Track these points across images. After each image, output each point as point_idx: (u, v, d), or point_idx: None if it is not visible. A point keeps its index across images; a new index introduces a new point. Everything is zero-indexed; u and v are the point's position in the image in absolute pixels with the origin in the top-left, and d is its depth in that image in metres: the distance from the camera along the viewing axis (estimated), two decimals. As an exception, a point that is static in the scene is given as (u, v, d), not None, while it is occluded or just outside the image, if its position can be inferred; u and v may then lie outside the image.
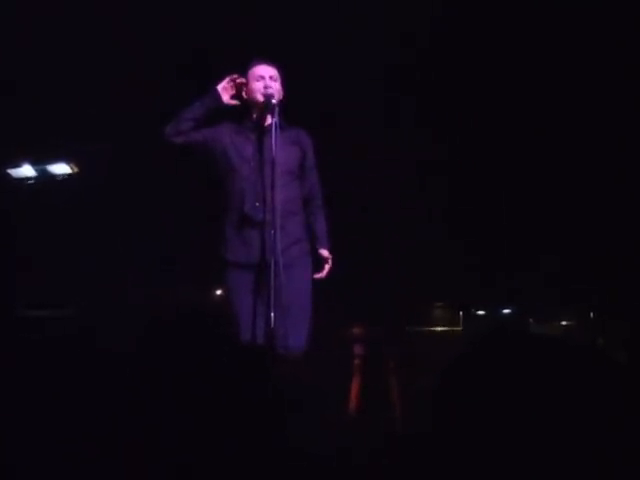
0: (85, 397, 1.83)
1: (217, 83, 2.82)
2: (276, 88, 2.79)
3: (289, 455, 1.88)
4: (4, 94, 5.44)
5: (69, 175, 7.49)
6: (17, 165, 7.40)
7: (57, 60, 5.31)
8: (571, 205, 7.19)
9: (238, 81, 2.81)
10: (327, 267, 2.85)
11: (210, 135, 2.80)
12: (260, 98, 2.76)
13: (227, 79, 2.80)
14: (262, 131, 2.78)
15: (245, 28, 4.86)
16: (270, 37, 4.59)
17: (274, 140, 2.60)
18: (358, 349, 4.62)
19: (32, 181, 7.52)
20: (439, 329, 9.86)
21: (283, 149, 2.63)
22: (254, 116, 2.83)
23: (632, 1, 4.78)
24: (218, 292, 7.27)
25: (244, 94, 2.85)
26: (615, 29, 4.97)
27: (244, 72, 2.86)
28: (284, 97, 2.84)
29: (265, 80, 2.78)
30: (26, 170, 7.45)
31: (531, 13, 4.98)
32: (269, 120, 2.77)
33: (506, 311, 12.80)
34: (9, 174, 7.48)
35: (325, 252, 2.86)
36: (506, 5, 4.96)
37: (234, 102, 2.83)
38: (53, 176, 7.50)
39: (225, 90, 2.80)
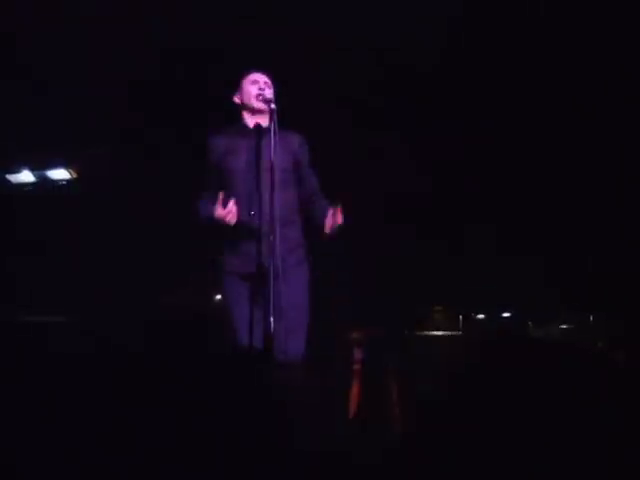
0: (85, 401, 1.83)
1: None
2: (269, 94, 2.77)
3: (289, 460, 1.88)
4: (3, 100, 5.45)
5: (68, 181, 7.51)
6: (16, 171, 7.41)
7: (56, 64, 5.32)
8: (571, 207, 7.19)
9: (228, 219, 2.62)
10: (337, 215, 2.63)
11: (216, 167, 2.76)
12: (254, 101, 2.75)
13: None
14: (256, 136, 2.75)
15: (243, 35, 4.87)
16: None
17: (273, 146, 2.58)
18: (357, 354, 4.60)
19: (31, 187, 7.53)
20: (439, 333, 9.84)
21: (278, 155, 2.62)
22: (246, 121, 2.82)
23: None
24: (217, 297, 7.27)
25: (237, 99, 2.84)
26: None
27: (238, 82, 2.85)
28: (276, 106, 2.80)
29: (259, 84, 2.78)
30: (25, 176, 7.46)
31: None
32: (264, 124, 2.76)
33: (505, 315, 12.80)
34: (9, 180, 7.49)
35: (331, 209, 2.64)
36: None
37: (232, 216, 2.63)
38: (52, 182, 7.52)
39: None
